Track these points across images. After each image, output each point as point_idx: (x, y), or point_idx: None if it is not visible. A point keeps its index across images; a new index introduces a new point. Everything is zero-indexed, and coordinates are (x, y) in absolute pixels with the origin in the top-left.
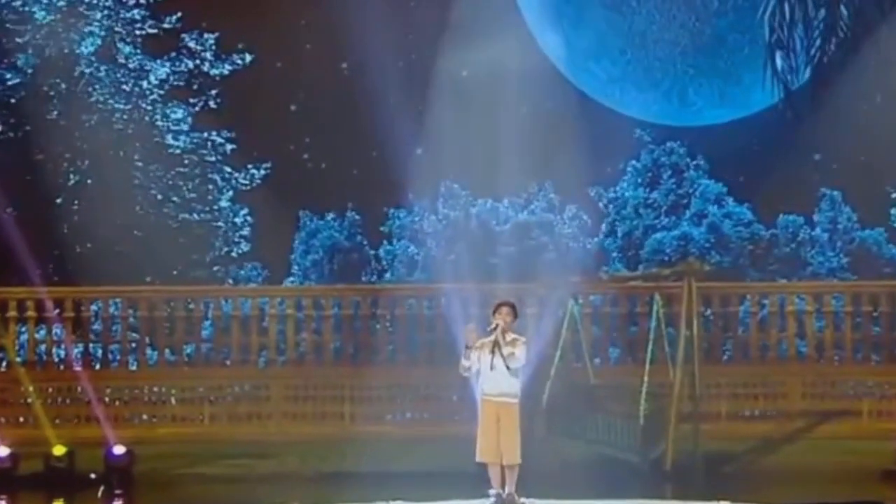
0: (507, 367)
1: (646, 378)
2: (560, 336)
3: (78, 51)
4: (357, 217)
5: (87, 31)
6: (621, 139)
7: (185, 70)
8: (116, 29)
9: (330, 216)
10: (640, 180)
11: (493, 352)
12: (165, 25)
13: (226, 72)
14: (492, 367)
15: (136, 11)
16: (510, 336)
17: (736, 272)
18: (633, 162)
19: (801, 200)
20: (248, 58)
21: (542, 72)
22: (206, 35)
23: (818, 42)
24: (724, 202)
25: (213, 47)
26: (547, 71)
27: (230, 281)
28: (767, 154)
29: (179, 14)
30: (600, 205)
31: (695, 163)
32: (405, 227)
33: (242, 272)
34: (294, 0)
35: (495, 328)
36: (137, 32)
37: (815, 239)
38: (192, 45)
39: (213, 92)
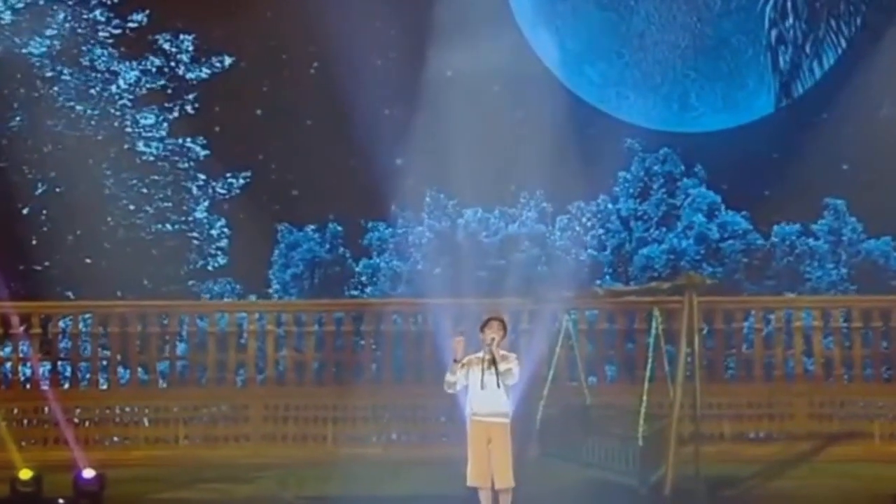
0: (499, 385)
1: (644, 398)
2: (554, 353)
3: (38, 52)
4: (339, 229)
5: (48, 32)
6: (617, 146)
7: (159, 73)
8: (80, 30)
9: (310, 228)
10: (631, 190)
11: (484, 369)
12: (131, 24)
13: (203, 75)
14: (482, 386)
15: (98, 12)
16: (501, 352)
17: (731, 286)
18: (624, 173)
19: (801, 210)
20: (228, 61)
21: (533, 74)
22: (182, 37)
23: (823, 40)
24: (717, 212)
25: (190, 50)
26: (539, 73)
27: (206, 295)
28: (768, 161)
29: (147, 12)
30: (589, 215)
31: (690, 170)
32: (389, 239)
33: (217, 287)
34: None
35: (490, 343)
36: (102, 34)
37: (814, 250)
38: (166, 47)
39: (190, 97)
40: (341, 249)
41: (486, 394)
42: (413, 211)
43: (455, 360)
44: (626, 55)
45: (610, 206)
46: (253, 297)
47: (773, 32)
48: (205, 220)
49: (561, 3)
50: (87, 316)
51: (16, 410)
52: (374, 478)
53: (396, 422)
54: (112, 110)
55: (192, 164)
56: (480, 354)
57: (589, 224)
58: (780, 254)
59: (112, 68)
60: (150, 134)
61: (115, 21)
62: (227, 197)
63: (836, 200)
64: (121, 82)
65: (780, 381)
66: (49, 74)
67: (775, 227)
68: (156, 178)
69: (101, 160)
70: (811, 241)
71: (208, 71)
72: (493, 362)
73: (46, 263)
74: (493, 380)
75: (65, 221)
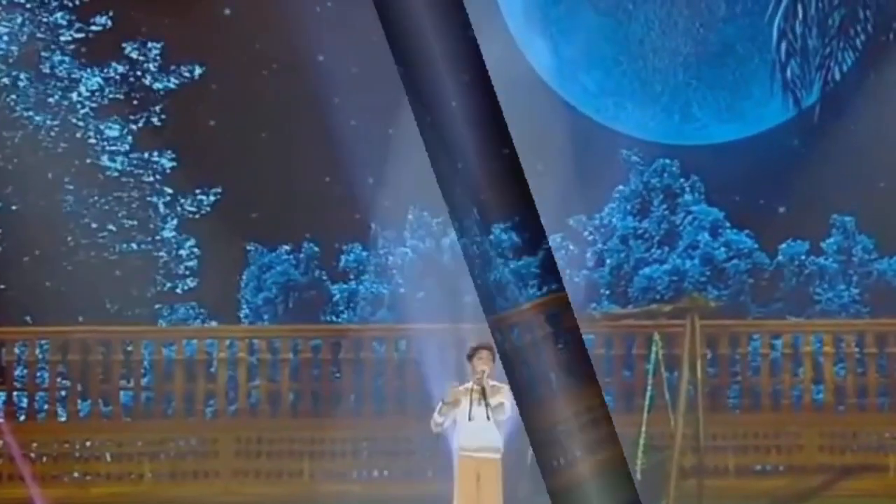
0: (489, 418)
1: (643, 428)
2: None
3: None
4: (315, 249)
5: (4, 37)
6: (614, 159)
7: (124, 82)
8: (39, 35)
9: (284, 249)
10: (629, 207)
11: (472, 400)
12: (95, 28)
13: (172, 85)
14: (470, 418)
15: (59, 15)
16: (492, 383)
17: (736, 309)
18: (621, 188)
19: (809, 227)
20: (198, 70)
21: (525, 83)
22: (149, 44)
23: (834, 50)
24: (721, 230)
25: (158, 58)
26: (531, 82)
27: (173, 321)
28: (775, 176)
29: (111, 15)
30: (586, 233)
31: (691, 185)
32: (369, 260)
33: (182, 310)
34: (248, 4)
35: (481, 375)
36: (64, 38)
37: (824, 270)
38: (133, 55)
39: (157, 107)
40: (317, 272)
41: (475, 427)
42: (395, 230)
43: (445, 403)
44: (624, 63)
45: (606, 223)
46: (221, 323)
47: (782, 39)
48: (173, 240)
49: (555, 8)
50: (44, 342)
51: None
52: None
53: (378, 456)
54: (73, 121)
55: (158, 179)
56: (469, 385)
57: (584, 243)
58: (787, 274)
59: (73, 75)
60: (114, 147)
61: (78, 25)
62: (196, 214)
63: (844, 217)
64: (83, 90)
65: (789, 410)
66: (5, 81)
67: (782, 246)
68: (120, 194)
69: (61, 175)
70: (820, 260)
71: (177, 80)
72: (484, 395)
73: (2, 286)
74: (483, 412)
75: (22, 241)
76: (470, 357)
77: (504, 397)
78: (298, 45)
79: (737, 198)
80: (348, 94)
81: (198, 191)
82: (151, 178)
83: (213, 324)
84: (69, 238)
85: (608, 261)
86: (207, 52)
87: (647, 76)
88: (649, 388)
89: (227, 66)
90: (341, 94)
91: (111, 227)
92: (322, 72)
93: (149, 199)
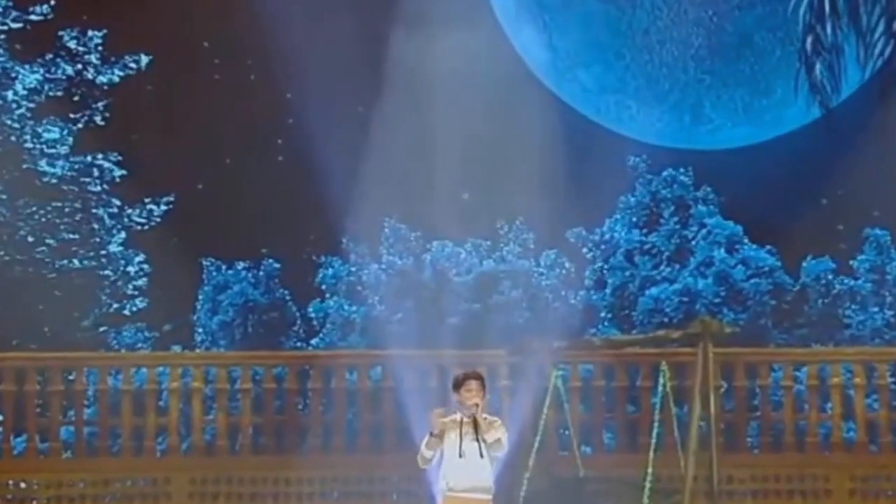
0: (482, 455)
1: (650, 470)
2: (540, 416)
3: None
4: (276, 266)
5: None
6: (617, 165)
7: (64, 77)
8: None
9: (241, 265)
10: (634, 219)
11: (463, 434)
12: (33, 18)
13: (116, 79)
14: (461, 455)
15: None
16: (486, 417)
17: (755, 335)
18: (625, 198)
19: (837, 243)
20: (145, 60)
21: (516, 79)
22: (90, 33)
23: (867, 39)
24: (738, 246)
25: (100, 48)
26: (523, 78)
27: (120, 346)
28: (798, 185)
29: (52, 3)
30: (585, 249)
31: (705, 195)
32: (339, 278)
33: (130, 334)
34: None
35: (475, 409)
36: None
37: (854, 291)
38: (72, 45)
39: (100, 104)
40: (280, 291)
41: (465, 464)
42: (369, 244)
43: (432, 435)
44: (628, 56)
45: (608, 237)
46: (176, 349)
47: (808, 30)
48: (119, 255)
49: None
50: None
51: None
52: None
53: (350, 499)
54: (8, 122)
55: (104, 186)
56: (457, 417)
57: (582, 260)
58: (813, 295)
59: (9, 72)
60: (53, 150)
61: (14, 14)
62: (145, 226)
63: (877, 231)
64: (19, 88)
65: (815, 449)
66: None
67: (806, 264)
68: (60, 203)
69: None
70: (850, 279)
71: (121, 73)
72: (475, 428)
73: None
74: (475, 448)
75: None
76: (457, 387)
77: (500, 433)
78: (259, 33)
79: (756, 209)
80: (318, 91)
81: (147, 200)
82: (96, 186)
83: (165, 350)
84: (2, 252)
85: (610, 280)
86: (154, 40)
87: (653, 71)
88: (656, 424)
89: (177, 55)
90: (311, 91)
91: (50, 240)
92: (287, 64)
93: (93, 209)
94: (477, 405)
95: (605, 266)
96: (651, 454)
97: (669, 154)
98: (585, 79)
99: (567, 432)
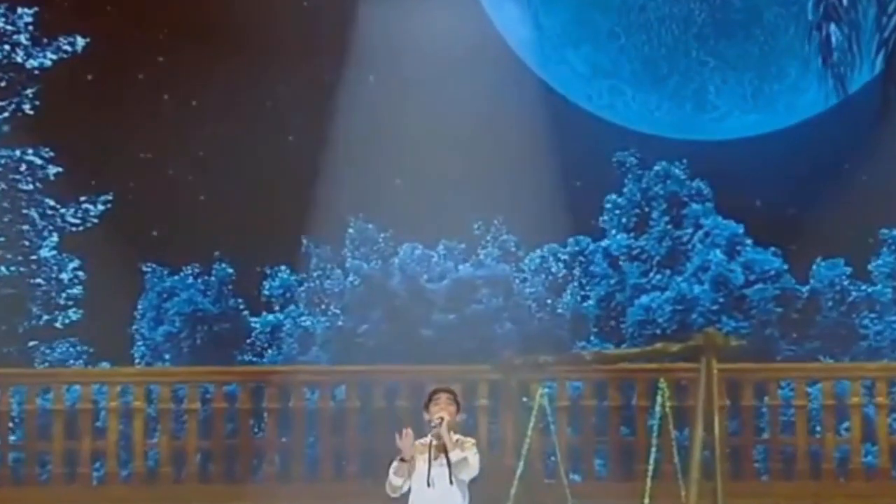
0: (451, 482)
1: (646, 501)
2: (524, 439)
3: None
4: (229, 272)
5: None
6: (607, 158)
7: None
8: None
9: (189, 271)
10: (623, 220)
11: (430, 459)
12: None
13: (48, 63)
14: (429, 483)
15: None
16: (454, 436)
17: (761, 348)
18: (614, 196)
19: (852, 244)
20: (81, 43)
21: (498, 62)
22: (20, 10)
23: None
24: (740, 248)
25: (31, 28)
26: (504, 60)
27: (51, 362)
28: (809, 179)
29: None
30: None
31: (703, 191)
32: (298, 285)
33: (62, 349)
34: None
35: (439, 423)
36: None
37: (872, 298)
38: None
39: (30, 91)
40: (232, 300)
41: (434, 494)
42: (331, 246)
43: (401, 460)
44: (622, 36)
45: (595, 240)
46: (104, 365)
47: (822, 5)
48: (52, 260)
49: None
50: None
51: None
52: None
53: None
54: None
55: (35, 184)
56: (426, 440)
57: (569, 265)
58: (825, 303)
59: None
60: None
61: None
62: (80, 228)
63: (895, 232)
64: None
65: (831, 476)
66: None
67: (818, 268)
68: None
69: None
70: (867, 285)
71: (54, 56)
72: (444, 450)
73: None
74: (444, 474)
75: None
76: (427, 404)
77: (468, 452)
78: (211, 9)
79: (760, 206)
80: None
81: (83, 198)
82: (27, 185)
83: (102, 365)
84: None
85: (596, 287)
86: (92, 21)
87: (650, 53)
88: (653, 449)
89: (118, 38)
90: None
91: None
92: (241, 44)
93: (22, 209)
94: (442, 419)
95: (592, 272)
96: (648, 483)
97: (666, 145)
98: (575, 61)
99: (554, 458)
